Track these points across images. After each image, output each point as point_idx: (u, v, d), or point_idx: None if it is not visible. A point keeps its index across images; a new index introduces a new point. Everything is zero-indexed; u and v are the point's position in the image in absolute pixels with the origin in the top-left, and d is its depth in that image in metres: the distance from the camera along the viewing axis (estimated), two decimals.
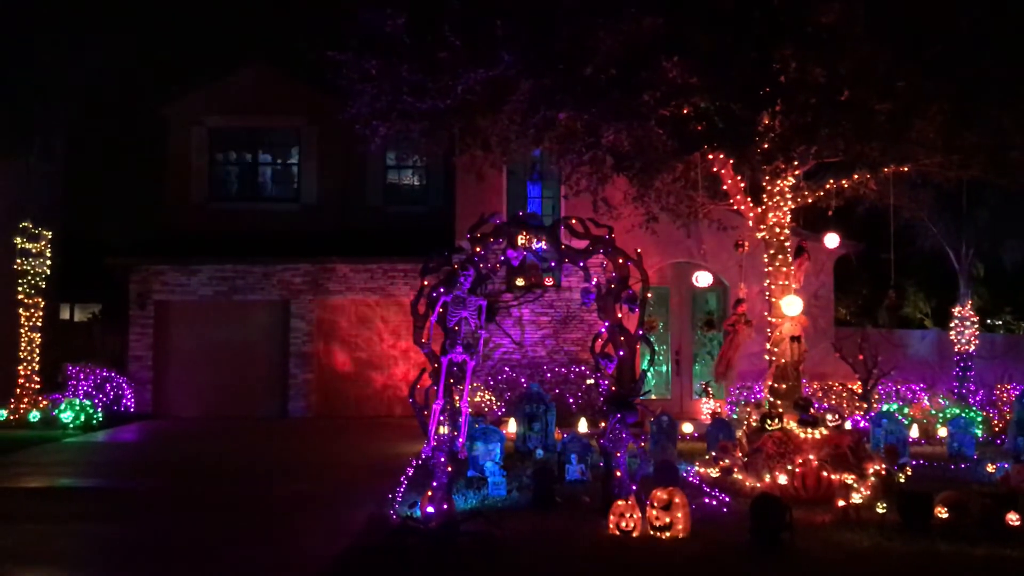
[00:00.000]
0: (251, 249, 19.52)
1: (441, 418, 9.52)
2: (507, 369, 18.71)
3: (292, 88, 20.77)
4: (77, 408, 16.98)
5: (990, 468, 11.91)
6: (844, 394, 17.46)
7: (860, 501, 9.88)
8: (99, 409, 17.48)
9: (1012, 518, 8.88)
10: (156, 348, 19.36)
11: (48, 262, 17.93)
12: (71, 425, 16.74)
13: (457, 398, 9.67)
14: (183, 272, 19.41)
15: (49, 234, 17.98)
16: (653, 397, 18.09)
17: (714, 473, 11.66)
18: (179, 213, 20.68)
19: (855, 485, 10.28)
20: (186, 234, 20.12)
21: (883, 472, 11.03)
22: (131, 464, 13.69)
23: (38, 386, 17.65)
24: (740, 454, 11.77)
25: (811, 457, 10.78)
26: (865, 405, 16.61)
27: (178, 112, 20.93)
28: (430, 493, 9.35)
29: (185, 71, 21.86)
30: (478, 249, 10.16)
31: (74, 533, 9.28)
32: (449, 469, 9.44)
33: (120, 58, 19.75)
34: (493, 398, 17.66)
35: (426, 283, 9.98)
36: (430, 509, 9.23)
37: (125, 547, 8.85)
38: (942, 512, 9.23)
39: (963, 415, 14.80)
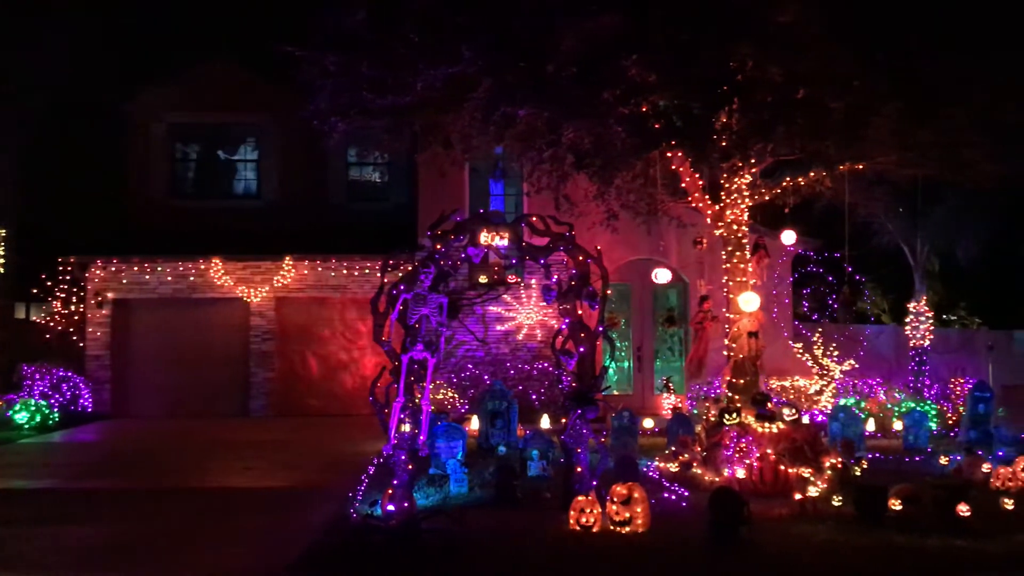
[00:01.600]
0: (212, 246, 19.33)
1: (402, 416, 9.52)
2: (470, 366, 18.73)
3: (253, 84, 20.59)
4: (32, 408, 16.73)
5: (943, 460, 12.15)
6: (802, 389, 17.69)
7: (817, 494, 10.03)
8: (55, 409, 17.24)
9: (963, 509, 9.07)
10: (114, 347, 19.13)
11: (2, 260, 17.64)
12: (26, 426, 16.50)
13: (418, 396, 9.68)
14: (142, 270, 19.18)
15: (3, 232, 17.69)
16: (615, 393, 18.21)
17: (673, 468, 11.78)
18: (138, 210, 20.44)
19: (812, 478, 10.44)
20: (145, 231, 19.89)
21: (839, 465, 11.21)
22: (88, 465, 13.51)
23: None
24: (699, 449, 11.90)
25: (768, 451, 10.93)
26: (820, 399, 16.85)
27: (138, 108, 20.67)
28: (391, 491, 9.36)
29: (145, 67, 21.58)
30: (439, 246, 10.17)
31: (31, 536, 9.15)
32: (410, 467, 9.45)
33: (80, 53, 19.44)
34: (456, 395, 17.68)
35: (386, 280, 9.98)
36: (391, 507, 9.24)
37: (84, 549, 8.75)
38: (896, 504, 9.40)
39: (918, 409, 15.06)
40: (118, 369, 19.13)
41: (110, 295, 19.10)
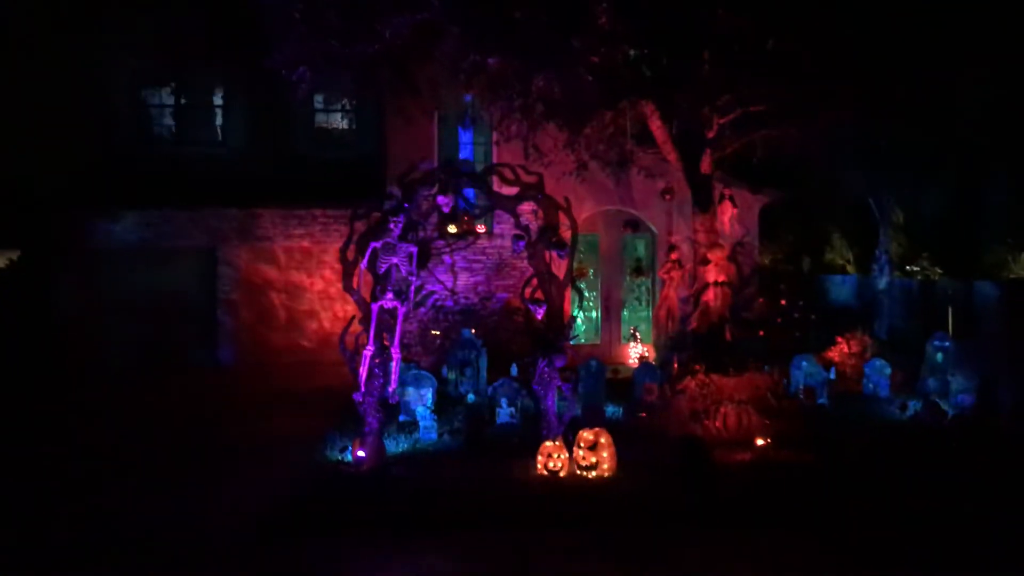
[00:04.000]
0: (177, 194, 19.12)
1: (372, 364, 9.60)
2: (432, 311, 18.64)
3: (219, 29, 20.17)
4: None
5: (902, 408, 12.45)
6: (766, 337, 17.90)
7: (779, 440, 10.29)
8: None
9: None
10: (81, 297, 18.95)
11: None
12: None
13: (388, 344, 9.75)
14: (107, 218, 18.95)
15: None
16: (583, 342, 18.38)
17: (640, 415, 11.97)
18: (102, 157, 20.08)
19: (774, 425, 10.69)
20: (109, 179, 19.57)
21: (801, 413, 11.47)
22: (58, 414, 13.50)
23: None
24: (666, 396, 12.09)
25: (732, 398, 11.15)
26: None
27: (101, 53, 20.21)
28: (361, 438, 9.48)
29: (109, 10, 21.05)
30: (408, 195, 10.16)
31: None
32: (380, 414, 9.56)
33: None
34: (425, 344, 17.71)
35: (356, 229, 9.99)
36: (361, 453, 9.38)
37: (59, 496, 8.80)
38: (851, 450, 9.69)
39: (879, 358, 15.33)
40: (85, 319, 18.96)
41: (75, 244, 18.86)
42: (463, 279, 19.10)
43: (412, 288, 10.03)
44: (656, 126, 13.11)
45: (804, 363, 13.86)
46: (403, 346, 10.79)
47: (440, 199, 10.36)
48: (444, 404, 12.73)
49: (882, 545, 7.56)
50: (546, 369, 10.10)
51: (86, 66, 20.22)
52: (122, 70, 20.33)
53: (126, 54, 20.19)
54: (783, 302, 17.74)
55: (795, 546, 7.56)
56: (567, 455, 9.31)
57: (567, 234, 10.50)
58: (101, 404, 14.24)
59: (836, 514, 8.20)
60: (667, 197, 15.13)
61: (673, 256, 16.61)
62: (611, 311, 19.52)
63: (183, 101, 21.01)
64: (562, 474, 9.19)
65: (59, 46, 19.67)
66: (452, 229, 12.79)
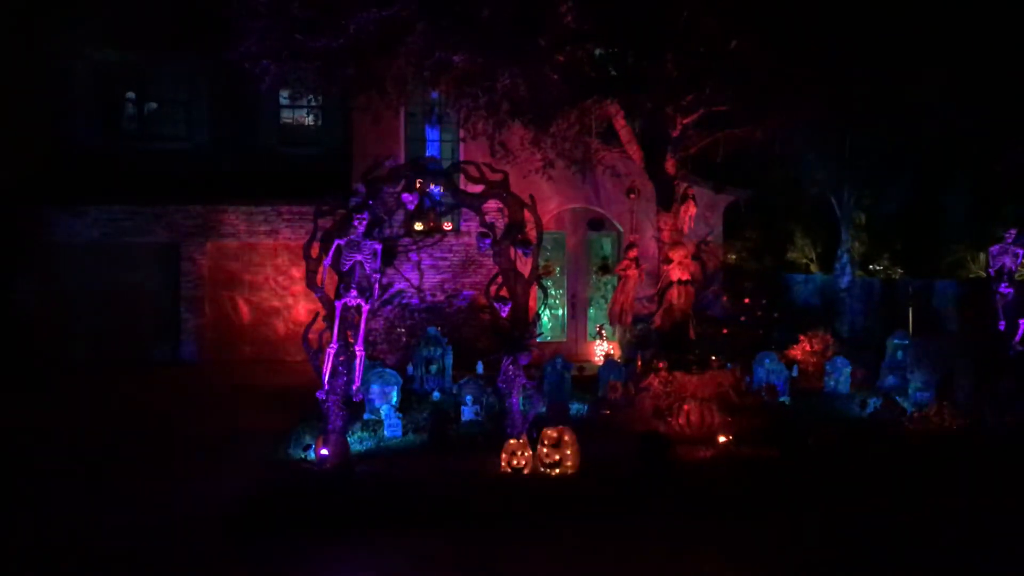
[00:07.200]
0: (140, 190, 18.90)
1: (336, 362, 9.56)
2: (398, 309, 18.61)
3: (182, 22, 19.93)
4: None
5: (863, 404, 12.62)
6: (730, 335, 18.05)
7: (740, 437, 10.39)
8: None
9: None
10: (42, 292, 18.68)
11: None
12: None
13: (352, 342, 9.72)
14: (68, 214, 18.70)
15: None
16: (549, 339, 18.43)
17: (604, 412, 12.03)
18: (63, 152, 19.80)
19: (735, 422, 10.79)
20: (71, 174, 19.32)
21: (763, 410, 11.59)
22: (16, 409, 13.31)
23: None
24: (629, 394, 12.16)
25: (695, 396, 11.24)
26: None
27: (61, 47, 19.90)
28: (325, 436, 9.44)
29: (69, 2, 20.74)
30: (373, 192, 10.13)
31: None
32: (344, 412, 9.53)
33: None
34: (390, 342, 17.65)
35: (320, 226, 9.95)
36: (324, 452, 9.34)
37: (21, 494, 8.69)
38: (812, 447, 9.81)
39: (840, 355, 15.52)
40: (46, 315, 18.69)
41: (36, 240, 18.59)
42: (429, 277, 19.05)
43: (377, 286, 9.99)
44: (621, 125, 13.18)
45: (767, 361, 14.01)
46: (368, 344, 10.75)
47: (405, 196, 10.34)
48: (409, 402, 12.72)
49: (840, 536, 7.68)
50: (511, 367, 10.12)
51: (47, 60, 19.93)
52: (84, 63, 20.05)
53: (87, 47, 19.91)
54: (746, 300, 17.89)
55: (756, 537, 7.65)
56: (531, 452, 9.33)
57: (533, 232, 10.53)
58: (61, 400, 14.06)
59: (795, 506, 8.30)
60: (631, 196, 15.19)
61: (631, 254, 16.71)
62: (577, 309, 19.60)
63: (146, 95, 20.76)
64: (526, 471, 9.21)
65: (18, 39, 19.37)
66: (419, 226, 12.76)
